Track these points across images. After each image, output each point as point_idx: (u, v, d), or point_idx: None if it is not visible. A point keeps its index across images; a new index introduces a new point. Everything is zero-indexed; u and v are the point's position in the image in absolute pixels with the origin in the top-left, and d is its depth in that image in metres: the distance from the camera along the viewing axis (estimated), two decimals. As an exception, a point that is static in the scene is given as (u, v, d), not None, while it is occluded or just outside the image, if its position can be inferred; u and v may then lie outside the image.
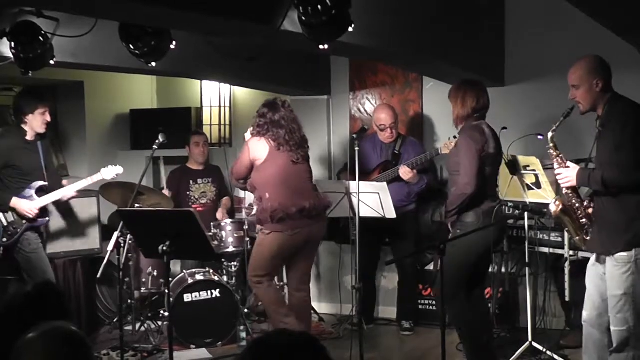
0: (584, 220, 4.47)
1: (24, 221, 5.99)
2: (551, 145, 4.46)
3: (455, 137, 6.30)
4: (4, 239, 5.95)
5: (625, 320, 4.28)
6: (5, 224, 5.96)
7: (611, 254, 4.30)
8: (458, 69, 6.22)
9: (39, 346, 2.29)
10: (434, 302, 6.93)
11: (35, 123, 6.04)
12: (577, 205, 4.47)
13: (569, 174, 4.39)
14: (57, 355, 2.29)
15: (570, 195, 4.46)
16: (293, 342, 2.04)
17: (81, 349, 2.34)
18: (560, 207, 4.44)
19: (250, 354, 2.03)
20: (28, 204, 5.95)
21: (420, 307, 7.02)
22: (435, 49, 5.71)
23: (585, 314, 4.54)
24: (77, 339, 2.36)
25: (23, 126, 6.04)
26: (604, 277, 4.38)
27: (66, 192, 6.16)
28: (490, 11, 6.81)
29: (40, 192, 6.09)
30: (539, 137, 5.53)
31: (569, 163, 4.45)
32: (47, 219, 6.23)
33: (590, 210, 4.46)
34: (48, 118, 6.08)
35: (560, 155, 4.46)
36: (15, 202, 5.94)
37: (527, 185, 5.57)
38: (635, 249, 4.25)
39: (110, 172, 6.26)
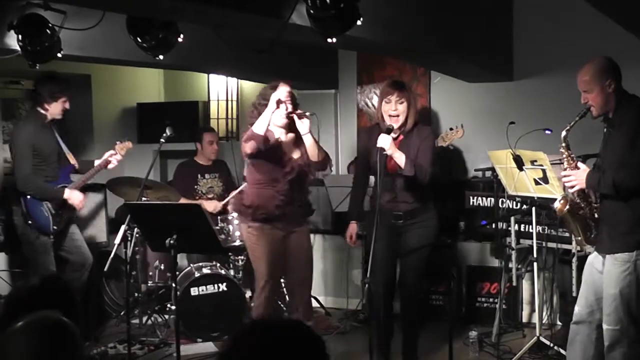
0: (588, 220, 4.44)
1: (65, 206, 6.11)
2: (563, 144, 4.39)
3: (451, 129, 6.29)
4: (55, 227, 6.05)
5: (619, 320, 4.25)
6: (53, 212, 6.05)
7: (613, 253, 4.28)
8: (466, 64, 6.20)
9: (22, 337, 2.29)
10: (441, 297, 6.93)
11: (56, 110, 6.09)
12: (582, 205, 4.43)
13: (578, 177, 4.33)
14: (41, 345, 2.28)
15: (576, 194, 4.43)
16: (286, 327, 2.00)
17: (67, 338, 2.33)
18: (567, 207, 4.40)
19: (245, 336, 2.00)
20: (80, 196, 6.11)
21: (427, 302, 7.00)
22: (444, 44, 5.69)
23: (577, 309, 4.53)
24: (63, 327, 2.34)
25: (41, 110, 6.07)
26: (602, 274, 4.36)
27: (92, 173, 6.20)
28: (498, 5, 6.78)
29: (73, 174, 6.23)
30: (547, 132, 5.51)
31: (579, 164, 4.40)
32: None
33: (595, 211, 4.43)
34: (67, 106, 6.14)
35: (572, 156, 4.39)
36: (69, 194, 6.06)
37: (535, 180, 5.55)
38: (637, 251, 4.23)
39: (123, 148, 6.32)
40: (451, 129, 6.12)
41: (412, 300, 5.44)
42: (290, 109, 5.16)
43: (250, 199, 5.33)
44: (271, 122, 5.14)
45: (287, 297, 6.30)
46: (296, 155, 5.27)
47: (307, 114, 5.15)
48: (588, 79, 4.28)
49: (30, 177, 5.96)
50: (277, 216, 5.26)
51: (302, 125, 5.14)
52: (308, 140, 5.18)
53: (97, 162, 6.21)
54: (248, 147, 5.11)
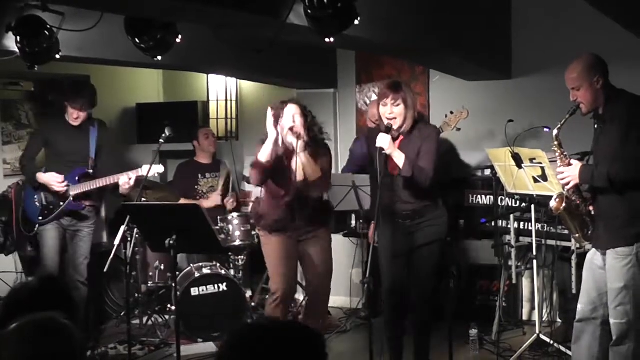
0: (585, 217, 4.45)
1: (62, 203, 6.16)
2: (556, 143, 4.40)
3: (452, 112, 6.26)
4: (40, 217, 6.16)
5: (625, 313, 4.26)
6: (45, 203, 6.16)
7: (613, 248, 4.29)
8: (465, 62, 6.20)
9: (20, 338, 2.28)
10: (441, 296, 6.91)
11: (70, 117, 6.20)
12: (578, 202, 4.44)
13: (571, 173, 4.33)
14: (38, 347, 2.28)
15: (572, 192, 4.43)
16: (282, 327, 2.00)
17: (65, 339, 2.33)
18: (563, 205, 4.40)
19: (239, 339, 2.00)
20: (54, 177, 6.10)
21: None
22: (442, 43, 5.69)
23: (579, 307, 4.53)
24: (61, 329, 2.34)
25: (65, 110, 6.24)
26: (603, 270, 4.37)
27: (99, 183, 6.19)
28: (497, 4, 6.78)
29: (84, 179, 6.22)
30: (546, 129, 5.51)
31: (572, 161, 4.41)
32: (83, 205, 6.28)
33: (591, 207, 4.43)
34: (75, 116, 6.17)
35: (565, 154, 4.41)
36: (41, 175, 6.14)
37: (534, 177, 5.55)
38: (637, 244, 4.24)
39: (151, 170, 6.24)
40: (452, 112, 6.09)
41: (425, 300, 5.36)
42: (297, 123, 5.22)
43: (259, 207, 5.52)
44: (283, 137, 5.25)
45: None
46: (299, 175, 5.30)
47: (303, 134, 5.20)
48: (576, 77, 4.29)
49: (25, 160, 6.30)
50: (279, 229, 5.36)
51: (298, 144, 5.21)
52: (301, 159, 5.23)
53: (108, 177, 6.21)
54: (253, 178, 5.34)
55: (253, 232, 6.73)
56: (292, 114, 5.24)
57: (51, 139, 6.23)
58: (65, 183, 6.13)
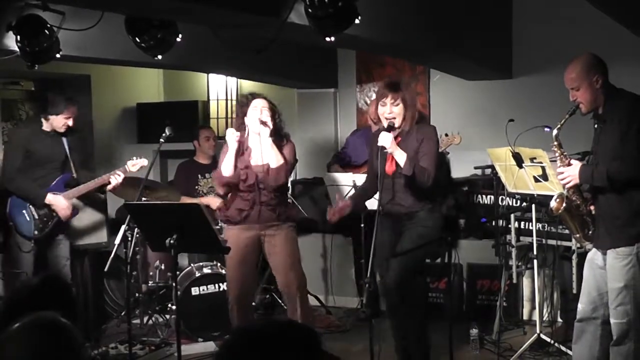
0: (585, 217, 4.45)
1: (54, 214, 6.04)
2: (555, 143, 4.39)
3: (446, 135, 6.24)
4: (36, 232, 6.02)
5: (626, 313, 4.26)
6: (37, 217, 6.02)
7: (614, 248, 4.28)
8: (465, 62, 6.21)
9: (20, 338, 2.28)
10: (441, 295, 6.93)
11: (56, 123, 6.03)
12: (578, 202, 4.44)
13: (571, 173, 4.32)
14: (38, 346, 2.28)
15: (572, 192, 4.43)
16: (280, 332, 2.00)
17: (64, 338, 2.32)
18: (563, 205, 4.40)
19: (233, 342, 2.00)
20: (64, 203, 6.01)
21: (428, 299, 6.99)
22: (442, 42, 5.69)
23: (580, 306, 4.52)
24: (59, 328, 2.34)
25: (43, 119, 6.05)
26: (603, 270, 4.36)
27: (90, 185, 6.12)
28: (497, 3, 6.79)
29: (69, 185, 6.13)
30: (546, 129, 5.50)
31: (572, 161, 4.40)
32: (76, 212, 6.24)
33: (592, 207, 4.43)
34: (70, 123, 6.05)
35: (565, 154, 4.41)
36: (52, 199, 5.99)
37: (534, 177, 5.55)
38: (638, 243, 4.24)
39: (136, 165, 6.20)
40: (447, 134, 6.09)
41: (411, 301, 5.30)
42: (264, 114, 5.33)
43: (226, 202, 5.65)
44: (248, 128, 5.39)
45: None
46: (262, 160, 5.38)
47: (269, 123, 5.30)
48: (575, 76, 4.28)
49: (13, 174, 5.98)
50: (241, 220, 5.44)
51: (263, 132, 5.31)
52: (266, 145, 5.33)
53: (98, 178, 6.15)
54: (219, 189, 5.62)
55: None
56: (260, 106, 5.35)
57: (30, 148, 6.01)
58: (71, 211, 6.09)
